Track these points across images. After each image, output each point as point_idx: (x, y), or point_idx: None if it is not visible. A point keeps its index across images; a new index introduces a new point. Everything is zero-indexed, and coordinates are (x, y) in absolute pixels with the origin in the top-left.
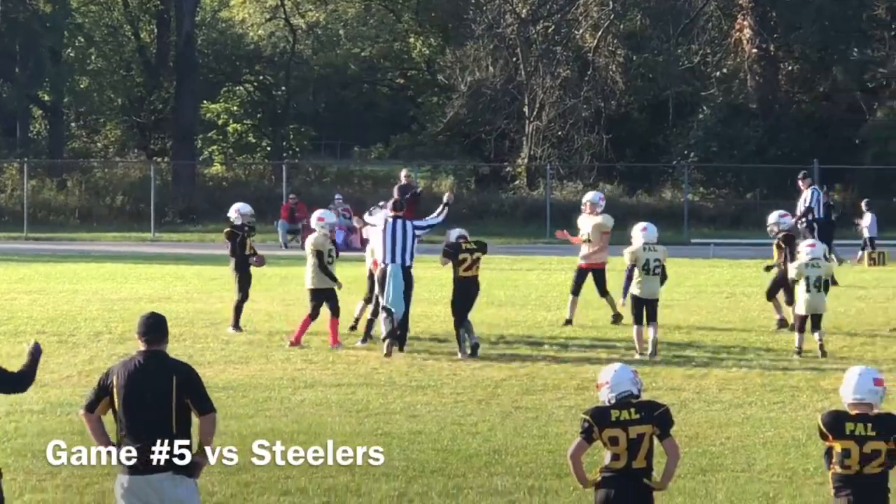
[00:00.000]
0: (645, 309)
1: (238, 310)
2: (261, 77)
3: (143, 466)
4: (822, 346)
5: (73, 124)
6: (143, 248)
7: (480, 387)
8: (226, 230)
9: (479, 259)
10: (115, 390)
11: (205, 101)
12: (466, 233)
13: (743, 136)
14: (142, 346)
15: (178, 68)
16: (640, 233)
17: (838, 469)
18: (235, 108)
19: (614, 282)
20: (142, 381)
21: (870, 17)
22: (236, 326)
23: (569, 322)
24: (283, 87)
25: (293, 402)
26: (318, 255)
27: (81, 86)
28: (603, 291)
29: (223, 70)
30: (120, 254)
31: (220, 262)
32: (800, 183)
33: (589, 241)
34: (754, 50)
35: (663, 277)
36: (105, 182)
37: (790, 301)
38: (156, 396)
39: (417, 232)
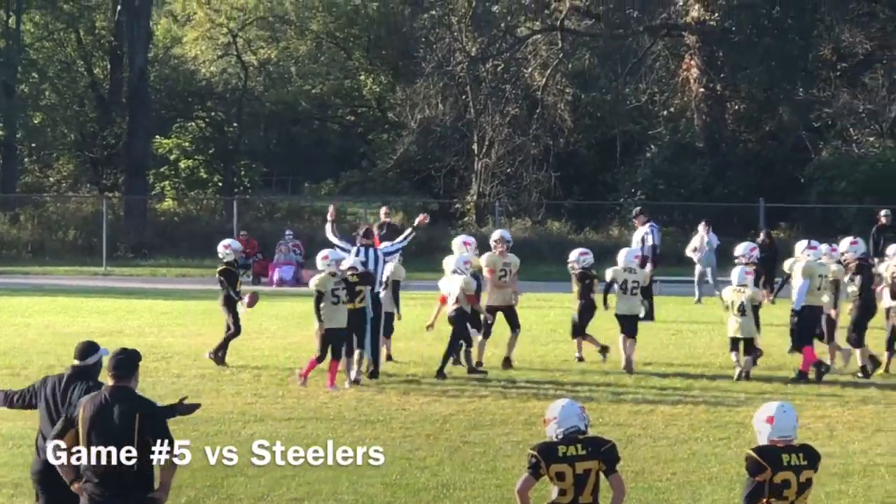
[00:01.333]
0: (625, 323)
1: (226, 344)
2: (213, 113)
3: (102, 499)
4: (747, 372)
5: (26, 159)
6: (95, 282)
7: (429, 421)
8: (221, 269)
9: (363, 292)
10: (80, 423)
11: (157, 137)
12: (357, 265)
13: (689, 174)
14: (110, 382)
15: (130, 104)
16: (621, 256)
17: (774, 502)
18: (187, 143)
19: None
20: (106, 416)
21: (815, 57)
22: (223, 361)
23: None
24: (235, 123)
25: (243, 437)
26: (318, 294)
27: (35, 121)
28: (515, 326)
29: (175, 106)
30: (72, 287)
31: (171, 296)
32: (635, 220)
33: (503, 281)
34: (701, 89)
35: (649, 298)
36: (57, 216)
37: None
38: (118, 432)
39: (386, 258)
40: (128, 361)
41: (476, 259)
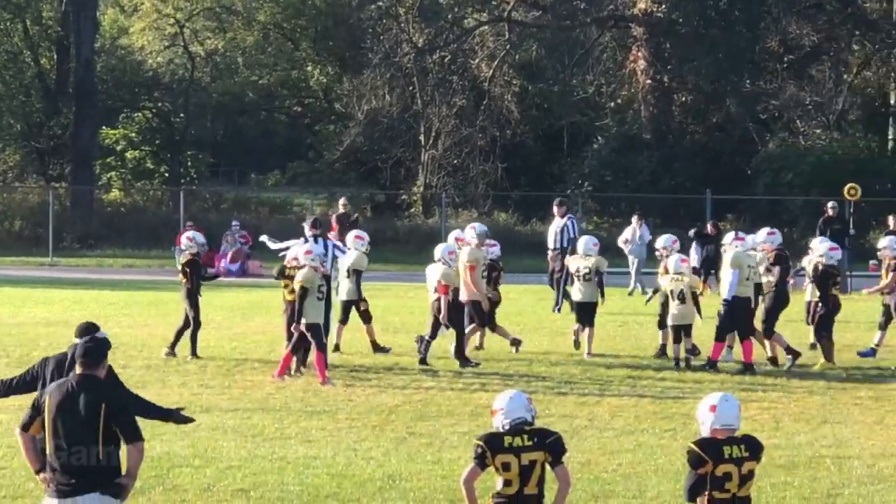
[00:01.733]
0: (581, 312)
1: (194, 338)
2: (159, 103)
3: (69, 488)
4: (687, 357)
5: None
6: (41, 273)
7: (375, 412)
8: (185, 260)
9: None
10: (46, 411)
11: (104, 127)
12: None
13: (637, 165)
14: (77, 370)
15: (76, 94)
16: (580, 244)
17: (716, 495)
18: (134, 134)
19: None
20: (72, 404)
21: (762, 49)
22: (174, 352)
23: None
24: (182, 114)
25: (189, 427)
26: (303, 291)
27: None
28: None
29: (122, 96)
30: (18, 278)
31: (118, 287)
32: (555, 209)
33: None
34: (648, 81)
35: (600, 286)
36: (3, 207)
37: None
38: (84, 421)
39: (336, 253)
40: (96, 349)
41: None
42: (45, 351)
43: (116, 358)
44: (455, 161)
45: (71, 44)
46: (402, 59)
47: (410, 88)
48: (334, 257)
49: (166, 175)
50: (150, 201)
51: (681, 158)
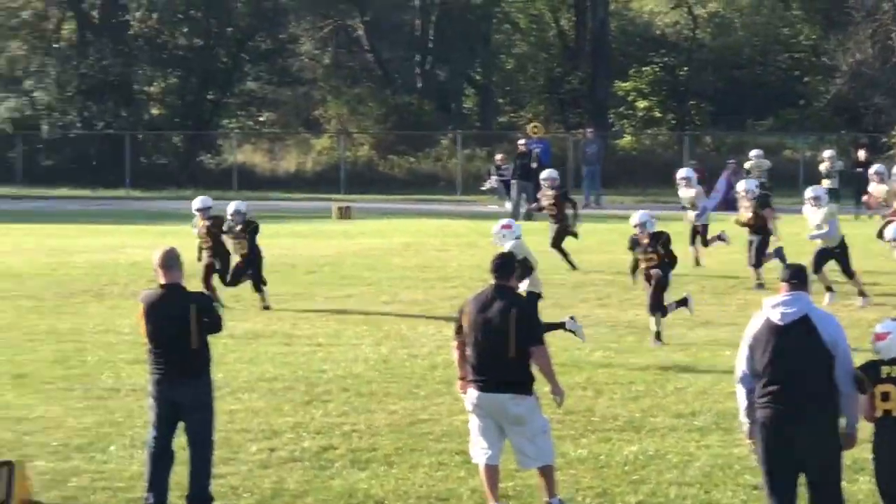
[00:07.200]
0: None
1: None
2: (665, 59)
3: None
4: None
5: (500, 100)
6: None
7: None
8: None
9: None
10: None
11: (616, 81)
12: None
13: None
14: (493, 281)
15: (592, 51)
16: None
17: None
18: (643, 86)
19: None
20: (487, 312)
21: None
22: None
23: None
24: (686, 68)
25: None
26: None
27: (507, 67)
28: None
29: (632, 53)
30: None
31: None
32: None
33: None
34: None
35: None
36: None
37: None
38: (497, 328)
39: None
40: (504, 264)
41: None
42: None
43: None
44: None
45: (587, 7)
46: (884, 16)
47: (889, 42)
48: None
49: (672, 122)
50: (658, 146)
51: None
